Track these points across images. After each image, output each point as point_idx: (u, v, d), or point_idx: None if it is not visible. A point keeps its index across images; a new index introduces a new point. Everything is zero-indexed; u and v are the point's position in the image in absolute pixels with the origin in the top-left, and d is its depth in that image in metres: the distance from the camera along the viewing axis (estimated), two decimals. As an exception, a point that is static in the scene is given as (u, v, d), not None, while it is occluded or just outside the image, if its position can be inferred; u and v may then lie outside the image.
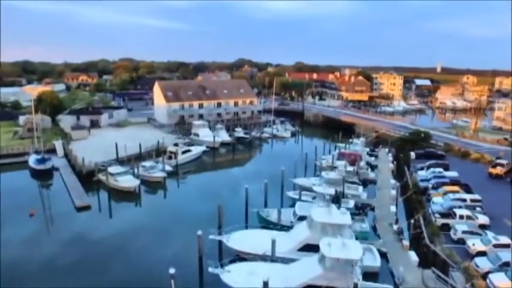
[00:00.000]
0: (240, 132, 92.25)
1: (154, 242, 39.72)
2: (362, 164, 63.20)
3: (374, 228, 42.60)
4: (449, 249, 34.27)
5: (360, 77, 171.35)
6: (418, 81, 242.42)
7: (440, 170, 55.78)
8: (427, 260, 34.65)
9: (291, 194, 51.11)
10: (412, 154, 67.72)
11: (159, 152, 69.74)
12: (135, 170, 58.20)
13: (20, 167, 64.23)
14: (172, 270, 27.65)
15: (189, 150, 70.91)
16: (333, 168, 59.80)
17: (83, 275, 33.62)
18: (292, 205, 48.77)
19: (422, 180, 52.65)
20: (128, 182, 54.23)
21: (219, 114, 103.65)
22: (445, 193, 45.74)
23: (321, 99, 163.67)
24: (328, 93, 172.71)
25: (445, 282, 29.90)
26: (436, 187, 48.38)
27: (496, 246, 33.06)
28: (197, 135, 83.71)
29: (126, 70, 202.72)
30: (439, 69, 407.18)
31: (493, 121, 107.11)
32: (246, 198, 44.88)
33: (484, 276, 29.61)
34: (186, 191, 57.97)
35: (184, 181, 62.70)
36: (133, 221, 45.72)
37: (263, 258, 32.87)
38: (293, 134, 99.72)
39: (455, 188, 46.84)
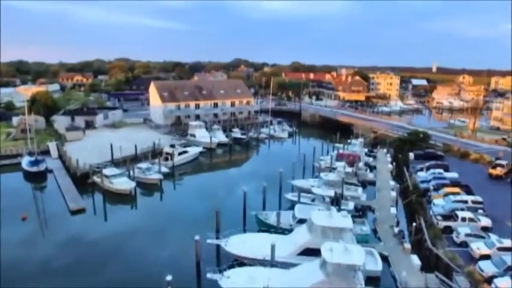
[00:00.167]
0: (237, 133, 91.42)
1: (150, 246, 38.78)
2: (361, 164, 62.59)
3: (374, 231, 41.82)
4: (452, 252, 33.58)
5: (357, 77, 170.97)
6: (415, 81, 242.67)
7: (440, 171, 55.21)
8: (430, 263, 33.96)
9: (290, 196, 50.29)
10: (411, 155, 67.13)
11: (155, 153, 68.76)
12: (131, 172, 57.16)
13: (13, 169, 62.99)
14: (169, 277, 26.81)
15: (185, 152, 69.95)
16: (331, 169, 59.13)
17: (76, 280, 32.67)
18: (291, 207, 47.96)
19: (422, 182, 52.00)
20: (123, 184, 53.20)
21: (215, 115, 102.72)
22: (446, 195, 45.13)
23: (317, 99, 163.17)
24: (325, 93, 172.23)
25: (449, 287, 29.23)
26: (436, 189, 47.67)
27: (500, 249, 32.41)
28: (194, 136, 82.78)
29: (121, 70, 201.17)
30: (434, 69, 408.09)
31: (490, 121, 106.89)
32: (244, 201, 43.96)
33: (489, 280, 28.93)
34: (183, 193, 57.02)
35: (181, 183, 61.75)
36: (129, 224, 44.69)
37: (263, 263, 32.09)
38: (290, 135, 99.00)
39: (456, 189, 46.23)
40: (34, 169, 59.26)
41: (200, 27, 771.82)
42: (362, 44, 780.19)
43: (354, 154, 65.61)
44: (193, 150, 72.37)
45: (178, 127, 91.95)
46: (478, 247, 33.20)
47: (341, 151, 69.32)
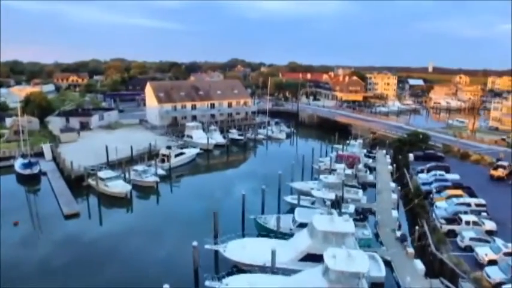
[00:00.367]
0: (234, 134, 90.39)
1: (147, 252, 37.68)
2: (360, 166, 61.73)
3: (376, 235, 40.86)
4: (456, 257, 32.71)
5: (354, 77, 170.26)
6: (412, 81, 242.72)
7: (442, 172, 54.37)
8: (434, 269, 33.13)
9: (289, 199, 49.30)
10: (411, 156, 66.36)
11: (151, 155, 67.59)
12: (127, 175, 55.93)
13: (6, 171, 61.64)
14: (166, 286, 25.83)
15: (182, 153, 68.85)
16: (331, 171, 58.26)
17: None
18: (290, 210, 47.08)
19: (424, 184, 51.13)
20: (118, 187, 52.00)
21: (212, 116, 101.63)
22: (448, 197, 44.27)
23: (315, 99, 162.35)
24: (322, 94, 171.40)
25: (455, 294, 28.40)
26: (438, 191, 46.81)
27: (506, 254, 31.54)
28: (191, 137, 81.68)
29: (117, 70, 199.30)
30: (430, 69, 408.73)
31: (487, 121, 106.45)
32: (243, 205, 42.91)
33: (496, 287, 28.08)
34: (180, 196, 55.91)
35: (178, 185, 60.64)
36: (125, 229, 43.55)
37: (263, 269, 31.07)
38: (288, 136, 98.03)
39: (459, 191, 45.41)
40: (27, 172, 57.92)
41: (196, 27, 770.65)
42: (358, 44, 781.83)
43: (354, 155, 64.72)
44: (190, 152, 71.27)
45: (175, 128, 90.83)
46: (484, 252, 32.26)
47: (340, 152, 68.41)
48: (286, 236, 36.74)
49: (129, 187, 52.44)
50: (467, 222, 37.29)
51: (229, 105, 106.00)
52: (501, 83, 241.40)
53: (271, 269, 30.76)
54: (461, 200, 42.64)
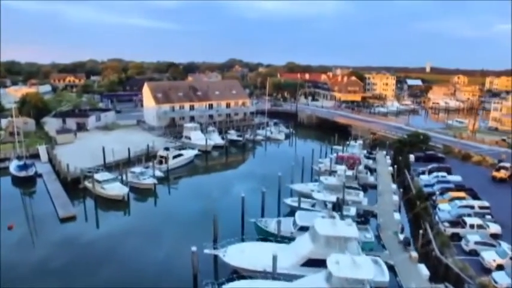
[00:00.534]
0: (233, 135, 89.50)
1: (144, 256, 36.85)
2: (361, 167, 60.99)
3: (378, 238, 40.13)
4: (461, 261, 31.99)
5: (353, 78, 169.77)
6: (410, 81, 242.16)
7: (444, 174, 53.72)
8: (438, 273, 32.33)
9: (289, 201, 48.54)
10: (411, 157, 65.63)
11: (149, 156, 66.72)
12: (124, 177, 55.05)
13: (1, 173, 60.51)
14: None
15: (180, 155, 67.96)
16: (331, 172, 57.52)
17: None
18: (290, 213, 46.34)
19: (426, 186, 50.41)
20: (115, 189, 51.05)
21: (210, 116, 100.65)
22: (451, 199, 43.59)
23: (313, 99, 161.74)
24: (320, 94, 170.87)
25: (461, 300, 27.65)
26: (441, 193, 46.07)
27: (513, 259, 30.86)
28: (189, 138, 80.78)
29: (114, 71, 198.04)
30: (428, 69, 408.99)
31: (486, 121, 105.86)
32: (242, 208, 42.02)
33: (504, 293, 27.39)
34: (178, 199, 55.02)
35: (176, 187, 59.74)
36: (122, 232, 42.63)
37: (264, 275, 30.22)
38: (287, 136, 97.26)
39: (462, 193, 44.74)
40: (22, 174, 56.94)
41: (194, 27, 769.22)
42: (356, 44, 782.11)
43: (354, 157, 63.99)
44: (188, 153, 70.40)
45: (173, 129, 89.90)
46: (492, 258, 31.48)
47: (340, 153, 67.66)
48: (287, 240, 35.94)
49: (126, 189, 51.51)
50: (472, 226, 36.60)
51: (228, 105, 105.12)
52: (499, 83, 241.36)
53: (273, 275, 29.90)
54: (464, 202, 41.97)
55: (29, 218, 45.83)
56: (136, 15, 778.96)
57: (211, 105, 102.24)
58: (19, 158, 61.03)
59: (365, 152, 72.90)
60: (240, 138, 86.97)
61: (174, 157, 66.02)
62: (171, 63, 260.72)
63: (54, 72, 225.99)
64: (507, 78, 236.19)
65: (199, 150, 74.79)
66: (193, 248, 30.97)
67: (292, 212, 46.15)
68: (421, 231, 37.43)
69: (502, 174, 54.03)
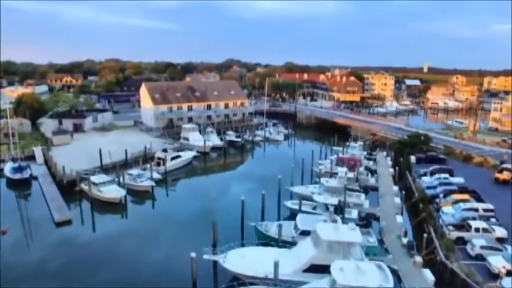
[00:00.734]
0: (231, 136, 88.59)
1: (142, 261, 35.91)
2: (361, 169, 60.18)
3: (381, 242, 39.24)
4: (467, 266, 31.18)
5: (352, 78, 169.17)
6: (408, 82, 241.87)
7: (446, 175, 52.93)
8: (444, 279, 31.54)
9: (289, 204, 47.64)
10: (412, 158, 64.84)
11: (146, 158, 65.60)
12: (121, 179, 54.02)
13: (-5, 176, 59.50)
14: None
15: (178, 156, 66.99)
16: (331, 174, 56.71)
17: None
18: (291, 216, 45.54)
19: (428, 188, 49.61)
20: (112, 192, 50.06)
21: (209, 117, 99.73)
22: (455, 202, 42.80)
23: (312, 100, 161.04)
24: (319, 94, 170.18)
25: (468, 307, 26.83)
26: (445, 195, 45.27)
27: (520, 264, 30.06)
28: (187, 139, 79.82)
29: (112, 71, 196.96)
30: (425, 69, 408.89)
31: (486, 121, 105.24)
32: (242, 212, 41.12)
33: (513, 300, 26.59)
34: (176, 201, 54.07)
35: (174, 189, 58.82)
36: (119, 236, 41.72)
37: (265, 281, 29.35)
38: (286, 137, 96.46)
39: (465, 196, 43.96)
40: (17, 176, 55.87)
41: (192, 27, 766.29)
42: (354, 44, 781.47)
43: (355, 158, 63.21)
44: (186, 155, 69.47)
45: (171, 130, 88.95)
46: (498, 262, 30.71)
47: (341, 155, 66.87)
48: (288, 244, 35.07)
49: (123, 192, 50.55)
50: (477, 229, 35.80)
51: (226, 106, 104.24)
52: (497, 83, 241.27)
53: (274, 281, 29.04)
54: (468, 205, 41.20)
55: (24, 222, 44.83)
56: (134, 15, 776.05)
57: (210, 105, 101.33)
58: (14, 160, 59.97)
59: (365, 153, 72.17)
60: (239, 139, 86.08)
61: (172, 159, 65.08)
62: (168, 63, 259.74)
63: (51, 72, 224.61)
64: (505, 78, 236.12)
65: (197, 152, 73.92)
66: (193, 254, 30.05)
67: (292, 215, 45.37)
68: (425, 235, 36.58)
69: (505, 175, 53.30)
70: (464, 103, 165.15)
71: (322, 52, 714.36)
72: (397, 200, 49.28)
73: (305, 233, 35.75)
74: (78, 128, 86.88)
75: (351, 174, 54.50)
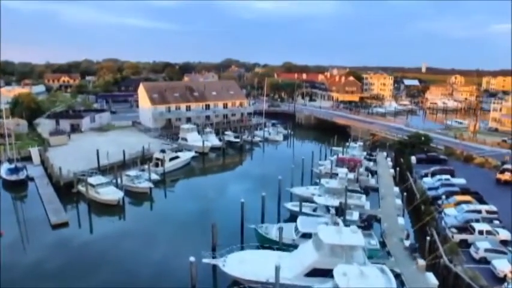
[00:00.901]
0: (230, 136, 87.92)
1: (140, 265, 35.20)
2: (361, 170, 59.61)
3: (382, 244, 38.63)
4: (472, 270, 30.60)
5: (351, 78, 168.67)
6: (407, 82, 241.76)
7: (447, 176, 52.40)
8: (447, 283, 30.96)
9: (289, 205, 47.03)
10: (413, 158, 64.30)
11: (144, 159, 64.92)
12: (119, 180, 53.34)
13: (-9, 177, 58.61)
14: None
15: (177, 157, 66.29)
16: (331, 175, 56.11)
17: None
18: (291, 218, 44.99)
19: (430, 189, 49.05)
20: (110, 194, 49.30)
21: (207, 117, 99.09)
22: (457, 203, 42.26)
23: (311, 100, 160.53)
24: (318, 94, 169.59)
25: (474, 312, 26.26)
26: (447, 197, 44.70)
27: (526, 267, 29.51)
28: (185, 139, 79.10)
29: (110, 71, 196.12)
30: (424, 69, 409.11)
31: (487, 122, 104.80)
32: (242, 214, 40.44)
33: (519, 304, 26.03)
34: (175, 202, 53.34)
35: (173, 190, 58.13)
36: (116, 239, 40.97)
37: (266, 285, 28.74)
38: (285, 137, 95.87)
39: (467, 197, 43.40)
40: (13, 178, 55.05)
41: (190, 27, 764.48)
42: (352, 44, 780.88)
43: (355, 159, 62.63)
44: (185, 155, 68.77)
45: (169, 130, 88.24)
46: (503, 265, 30.13)
47: (341, 156, 66.28)
48: (289, 247, 34.49)
49: (121, 194, 49.85)
50: (481, 232, 35.23)
51: (225, 106, 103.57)
52: (496, 83, 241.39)
53: (275, 286, 28.36)
54: (471, 206, 40.65)
55: (19, 225, 44.02)
56: (132, 15, 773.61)
57: (208, 105, 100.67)
58: (10, 161, 59.10)
59: (365, 153, 71.62)
60: (238, 140, 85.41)
61: (171, 159, 64.40)
62: (167, 63, 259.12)
63: (48, 72, 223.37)
64: (503, 78, 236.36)
65: (196, 152, 73.21)
66: (192, 258, 29.40)
67: (292, 216, 44.80)
68: (428, 238, 36.00)
69: (507, 176, 52.81)
70: (463, 103, 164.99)
71: (320, 52, 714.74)
72: (398, 201, 48.73)
73: (306, 236, 35.15)
74: (75, 129, 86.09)
75: (351, 175, 53.88)
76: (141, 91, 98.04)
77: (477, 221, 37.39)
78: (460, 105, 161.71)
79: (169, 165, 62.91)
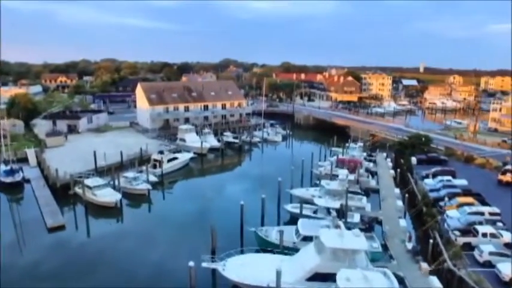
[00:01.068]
0: (229, 137, 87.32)
1: (138, 269, 34.53)
2: (362, 171, 59.05)
3: (384, 247, 38.02)
4: (476, 274, 30.03)
5: (350, 78, 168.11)
6: (405, 81, 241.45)
7: (449, 177, 51.84)
8: (451, 287, 30.34)
9: (290, 207, 46.42)
10: (413, 159, 63.76)
11: (142, 160, 64.28)
12: (116, 182, 52.63)
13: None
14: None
15: (175, 158, 65.57)
16: (332, 176, 55.50)
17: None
18: (291, 220, 44.42)
19: (431, 190, 48.51)
20: (107, 196, 48.56)
21: (206, 118, 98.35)
22: (459, 205, 41.71)
23: (309, 100, 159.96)
24: (316, 94, 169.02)
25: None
26: (449, 198, 44.13)
27: (531, 271, 28.97)
28: (184, 140, 78.33)
29: (107, 71, 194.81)
30: (421, 69, 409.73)
31: (487, 122, 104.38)
32: (241, 217, 39.85)
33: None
34: (173, 205, 52.61)
35: (171, 192, 57.41)
36: (114, 242, 40.35)
37: (267, 291, 28.12)
38: (284, 138, 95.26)
39: (470, 199, 42.85)
40: (9, 179, 54.31)
41: (188, 27, 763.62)
42: (350, 44, 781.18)
43: (355, 160, 62.01)
44: (183, 157, 68.06)
45: (167, 131, 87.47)
46: (507, 269, 29.52)
47: (341, 157, 65.66)
48: (290, 250, 33.86)
49: (118, 196, 49.09)
50: (484, 234, 34.66)
51: (223, 106, 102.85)
52: (494, 83, 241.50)
53: (276, 290, 27.79)
54: (474, 208, 40.11)
55: (16, 228, 43.26)
56: (130, 15, 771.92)
57: (207, 106, 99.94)
58: (6, 162, 58.28)
59: (365, 154, 71.05)
60: (236, 140, 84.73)
61: (169, 160, 63.71)
62: (165, 63, 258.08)
63: (45, 72, 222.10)
64: (502, 78, 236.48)
65: (194, 153, 72.49)
66: (191, 263, 28.81)
67: (292, 218, 44.23)
68: (431, 241, 35.43)
69: (509, 177, 52.30)
70: (462, 103, 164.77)
71: (318, 52, 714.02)
72: (399, 203, 48.18)
73: (307, 239, 34.65)
74: (72, 129, 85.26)
75: (351, 176, 53.25)
76: (139, 91, 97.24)
77: (480, 223, 36.86)
78: (458, 105, 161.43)
79: (167, 167, 62.20)
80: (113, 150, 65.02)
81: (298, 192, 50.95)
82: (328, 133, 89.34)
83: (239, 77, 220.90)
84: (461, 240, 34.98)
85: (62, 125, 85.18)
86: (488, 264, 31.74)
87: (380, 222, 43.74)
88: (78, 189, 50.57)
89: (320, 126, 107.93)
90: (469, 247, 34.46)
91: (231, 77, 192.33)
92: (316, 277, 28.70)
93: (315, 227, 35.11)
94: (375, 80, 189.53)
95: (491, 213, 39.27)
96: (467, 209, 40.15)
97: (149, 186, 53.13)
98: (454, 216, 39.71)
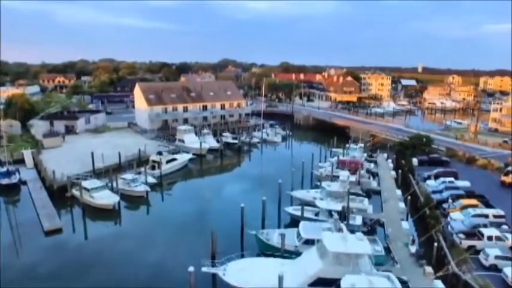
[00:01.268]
0: (228, 137, 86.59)
1: (137, 273, 33.74)
2: (363, 172, 58.41)
3: (387, 250, 37.35)
4: (482, 278, 29.45)
5: (349, 78, 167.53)
6: (404, 81, 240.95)
7: (451, 179, 51.22)
8: (457, 291, 29.77)
9: (290, 210, 45.72)
10: (414, 160, 63.11)
11: (140, 161, 63.39)
12: (114, 184, 51.84)
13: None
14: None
15: (174, 159, 64.79)
16: (332, 178, 54.86)
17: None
18: (292, 222, 43.72)
19: (434, 192, 47.86)
20: (105, 198, 47.81)
21: (205, 118, 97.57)
22: (463, 207, 41.09)
23: (309, 100, 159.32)
24: (316, 94, 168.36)
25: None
26: (453, 200, 43.48)
27: (538, 275, 28.36)
28: (182, 141, 77.52)
29: (105, 71, 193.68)
30: (420, 69, 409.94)
31: (487, 122, 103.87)
32: (242, 220, 39.17)
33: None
34: (172, 207, 51.83)
35: (170, 194, 56.65)
36: (112, 245, 39.60)
37: (268, 297, 27.40)
38: (284, 138, 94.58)
39: (473, 201, 42.26)
40: (5, 181, 53.42)
41: (186, 27, 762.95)
42: (349, 44, 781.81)
43: (356, 161, 61.34)
44: (182, 158, 67.27)
45: (166, 132, 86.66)
46: (516, 274, 28.96)
47: (341, 158, 64.99)
48: (291, 254, 33.19)
49: (116, 198, 48.35)
50: (490, 238, 34.06)
51: (222, 107, 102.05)
52: (493, 83, 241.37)
53: (278, 296, 27.10)
54: (478, 211, 39.51)
55: (12, 230, 42.33)
56: (129, 15, 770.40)
57: (206, 106, 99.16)
58: (2, 163, 57.46)
59: (365, 155, 70.40)
60: (236, 141, 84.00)
61: (168, 162, 62.95)
62: (163, 63, 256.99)
63: (43, 72, 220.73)
64: (501, 78, 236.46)
65: (193, 154, 71.77)
66: (191, 268, 28.10)
67: (293, 221, 43.58)
68: (435, 244, 34.77)
69: (511, 178, 51.72)
70: (461, 103, 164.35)
71: (317, 52, 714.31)
72: (401, 204, 47.60)
73: (309, 242, 34.02)
74: (70, 130, 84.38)
75: (352, 178, 52.57)
76: (137, 92, 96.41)
77: (485, 226, 36.25)
78: (458, 105, 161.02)
79: (166, 168, 61.46)
80: (110, 151, 64.27)
81: (299, 194, 50.28)
82: (328, 133, 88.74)
83: (238, 77, 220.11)
84: (466, 243, 34.38)
85: (60, 125, 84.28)
86: (495, 268, 31.15)
87: (382, 225, 43.07)
88: (75, 192, 49.77)
89: (320, 126, 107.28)
90: (473, 250, 33.81)
91: (230, 77, 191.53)
92: (319, 282, 27.97)
93: (317, 230, 34.47)
94: (374, 80, 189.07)
95: (495, 216, 38.66)
96: (471, 211, 39.53)
97: (148, 188, 52.39)
98: (458, 218, 39.05)
